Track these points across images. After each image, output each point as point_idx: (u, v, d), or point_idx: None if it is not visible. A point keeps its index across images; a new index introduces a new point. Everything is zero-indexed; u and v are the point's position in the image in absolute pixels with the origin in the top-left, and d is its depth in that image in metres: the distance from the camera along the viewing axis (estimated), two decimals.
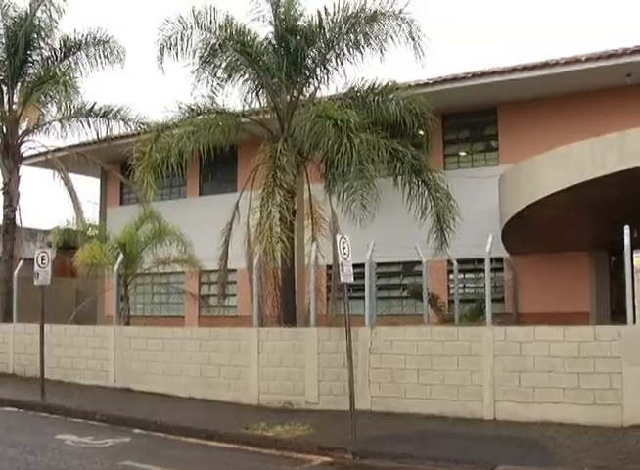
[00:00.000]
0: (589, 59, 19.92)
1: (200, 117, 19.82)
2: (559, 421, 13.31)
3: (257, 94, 20.13)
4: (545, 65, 20.43)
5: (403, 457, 11.54)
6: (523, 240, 19.69)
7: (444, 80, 21.45)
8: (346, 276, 13.40)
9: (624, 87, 20.30)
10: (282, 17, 19.76)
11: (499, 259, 20.88)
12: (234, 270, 22.93)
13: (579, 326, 13.90)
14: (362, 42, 19.52)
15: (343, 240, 13.49)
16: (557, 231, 18.74)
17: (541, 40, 55.66)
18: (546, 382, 13.61)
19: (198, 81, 19.91)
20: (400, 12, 19.01)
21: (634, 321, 13.21)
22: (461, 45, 61.29)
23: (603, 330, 13.62)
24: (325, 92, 20.42)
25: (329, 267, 19.96)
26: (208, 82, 20.02)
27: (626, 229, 13.48)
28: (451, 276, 21.15)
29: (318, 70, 19.98)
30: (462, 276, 21.73)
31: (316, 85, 20.25)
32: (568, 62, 20.15)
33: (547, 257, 20.75)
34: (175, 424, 14.40)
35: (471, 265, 20.96)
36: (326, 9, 19.37)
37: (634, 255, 13.37)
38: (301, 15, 20.00)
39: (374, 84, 19.90)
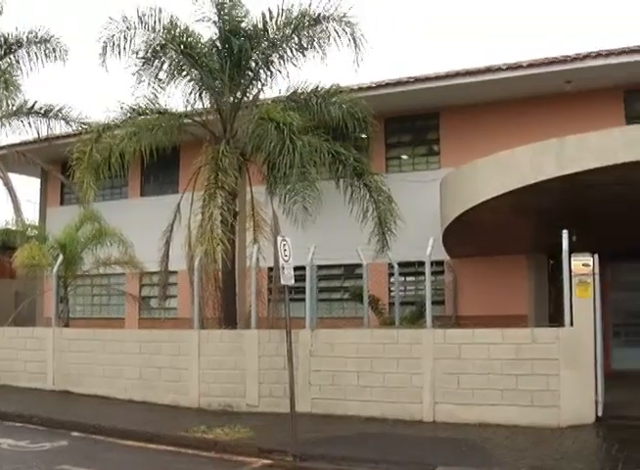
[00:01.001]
0: (531, 65, 20.15)
1: (142, 117, 19.65)
2: (497, 422, 13.54)
3: (200, 95, 19.99)
4: (487, 70, 20.61)
5: (343, 459, 11.62)
6: (463, 243, 19.86)
7: (387, 84, 21.53)
8: (287, 278, 13.41)
9: (564, 94, 20.57)
10: (226, 18, 19.64)
11: (440, 262, 21.01)
12: (175, 272, 22.77)
13: (518, 329, 14.13)
14: (306, 45, 19.55)
15: (284, 242, 13.51)
16: (497, 235, 18.93)
17: (487, 44, 56.13)
18: (485, 384, 13.81)
19: (140, 82, 19.76)
20: (344, 15, 19.10)
21: (571, 324, 13.47)
22: (423, 46, 61.53)
23: (541, 332, 13.88)
24: (268, 94, 20.43)
25: (270, 269, 19.93)
26: (151, 83, 19.87)
27: (564, 233, 13.74)
28: (392, 279, 21.24)
29: (262, 72, 19.95)
30: (403, 279, 21.86)
31: (260, 87, 20.22)
32: (510, 67, 20.35)
33: (487, 260, 20.93)
34: (114, 427, 14.30)
35: (412, 268, 21.08)
36: (270, 11, 19.38)
37: (572, 259, 13.62)
38: (245, 16, 19.90)
39: (317, 87, 19.95)
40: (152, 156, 18.86)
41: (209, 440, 13.14)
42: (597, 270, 13.89)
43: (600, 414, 13.53)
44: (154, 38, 19.37)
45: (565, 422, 13.26)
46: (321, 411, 15.18)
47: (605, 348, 15.77)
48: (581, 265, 13.66)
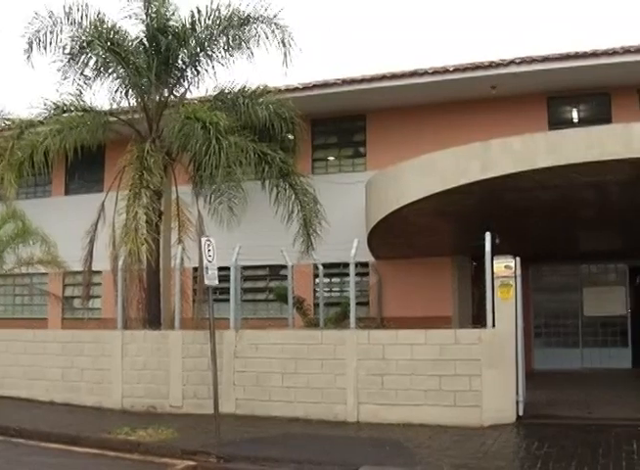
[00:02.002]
0: (456, 70, 20.40)
1: (66, 114, 19.37)
2: (420, 422, 13.67)
3: (127, 93, 19.77)
4: (413, 74, 20.77)
5: (267, 460, 11.58)
6: (388, 245, 20.00)
7: (314, 86, 21.56)
8: (211, 279, 13.38)
9: (489, 99, 20.89)
10: (154, 15, 19.43)
11: (365, 264, 21.11)
12: (99, 272, 22.49)
13: (441, 330, 14.28)
14: (234, 45, 19.48)
15: (209, 243, 13.48)
16: (421, 237, 19.13)
17: (419, 48, 56.50)
18: (408, 384, 13.94)
19: (65, 78, 19.47)
20: (274, 17, 19.11)
21: (494, 325, 13.67)
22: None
23: (464, 333, 14.06)
24: (195, 93, 20.33)
25: (195, 270, 19.80)
26: (76, 79, 19.59)
27: (487, 236, 13.95)
28: (317, 280, 21.30)
29: (189, 71, 19.83)
30: (328, 280, 21.92)
31: (187, 86, 20.11)
32: (436, 72, 20.55)
33: (412, 262, 21.12)
34: (36, 429, 14.06)
35: (337, 269, 21.16)
36: (199, 10, 19.24)
37: (494, 261, 13.82)
38: (173, 14, 19.72)
39: (244, 87, 19.90)
40: (76, 154, 18.62)
41: (133, 441, 13.00)
42: (519, 272, 14.12)
43: (521, 413, 13.78)
44: (80, 34, 19.07)
45: (487, 421, 13.45)
46: (245, 412, 15.16)
47: (526, 348, 16.05)
48: (503, 267, 13.88)
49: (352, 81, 21.32)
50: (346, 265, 15.58)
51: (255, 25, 19.27)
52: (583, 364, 22.62)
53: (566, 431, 12.94)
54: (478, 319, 15.53)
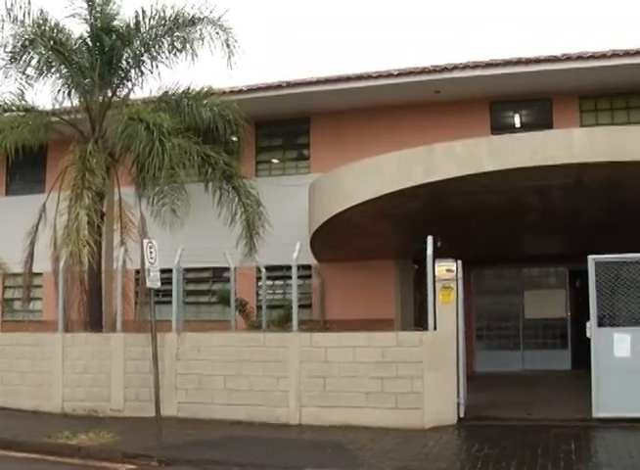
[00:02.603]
0: (401, 74, 20.52)
1: (7, 114, 19.15)
2: (363, 425, 13.70)
3: (70, 93, 19.53)
4: (359, 77, 20.87)
5: (209, 463, 11.55)
6: (331, 248, 20.03)
7: (259, 88, 21.53)
8: (153, 281, 13.30)
9: (433, 103, 21.06)
10: (97, 15, 19.21)
11: (307, 267, 21.13)
12: (40, 274, 22.22)
13: (383, 332, 14.33)
14: (179, 46, 19.39)
15: (151, 245, 13.40)
16: (364, 240, 19.18)
17: (368, 52, 56.62)
18: (350, 387, 13.97)
19: (7, 77, 19.21)
20: (219, 19, 19.05)
21: (435, 328, 13.77)
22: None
23: (406, 336, 14.14)
24: (139, 94, 20.16)
25: (137, 272, 19.60)
26: (18, 79, 19.31)
27: (429, 239, 14.03)
28: (260, 282, 21.26)
29: (133, 71, 19.67)
30: (271, 283, 21.89)
31: (130, 87, 19.93)
32: (380, 75, 20.66)
33: (355, 264, 21.19)
34: None
35: (280, 272, 21.11)
36: (143, 10, 19.10)
37: (436, 264, 13.93)
38: (118, 14, 19.55)
39: (188, 89, 19.79)
40: (17, 154, 18.39)
41: (73, 445, 12.85)
42: (460, 275, 14.25)
43: (462, 415, 13.90)
44: (22, 33, 18.80)
45: (428, 423, 13.53)
46: (187, 415, 15.07)
47: (468, 351, 16.20)
48: (445, 271, 13.99)
49: (297, 84, 21.34)
50: (289, 268, 15.58)
51: (200, 27, 19.20)
52: (524, 366, 22.88)
53: (506, 432, 13.08)
54: (420, 322, 15.61)
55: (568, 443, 11.94)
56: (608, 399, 13.47)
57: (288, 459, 11.65)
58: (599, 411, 13.52)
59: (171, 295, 16.08)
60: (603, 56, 19.39)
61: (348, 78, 20.95)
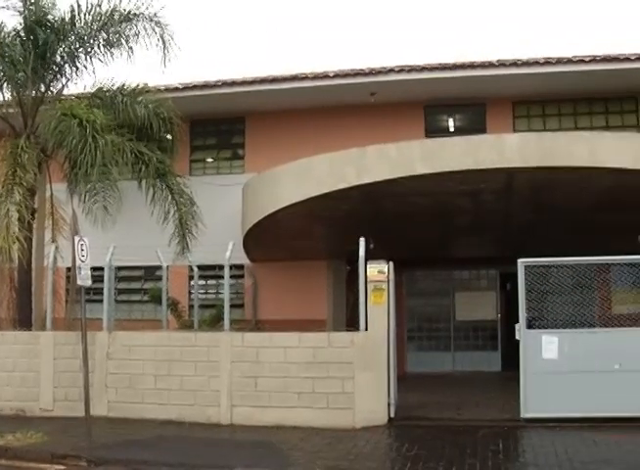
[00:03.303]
0: (336, 75, 20.59)
1: None
2: (294, 425, 13.73)
3: (1, 87, 19.23)
4: (294, 78, 20.88)
5: (139, 463, 11.45)
6: (263, 248, 20.04)
7: (194, 86, 21.42)
8: (84, 279, 13.18)
9: (368, 105, 21.15)
10: (32, 8, 18.87)
11: (240, 266, 21.08)
12: None
13: (315, 333, 14.36)
14: (114, 42, 19.18)
15: (82, 242, 13.28)
16: (297, 240, 19.22)
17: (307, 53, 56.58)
18: (282, 387, 13.99)
19: None
20: (155, 15, 18.91)
21: (366, 328, 13.85)
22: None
23: (337, 336, 14.20)
24: (73, 90, 19.89)
25: (69, 269, 19.40)
26: None
27: (361, 241, 14.12)
28: (193, 282, 21.17)
29: (67, 66, 19.35)
30: (204, 282, 21.82)
31: (64, 82, 19.64)
32: (316, 77, 20.71)
33: (288, 265, 21.21)
34: None
35: (212, 271, 21.07)
36: (79, 4, 18.81)
37: (368, 265, 14.01)
38: (53, 7, 19.26)
39: (123, 85, 19.58)
40: None
41: (0, 447, 12.66)
42: (392, 277, 14.36)
43: (393, 415, 14.01)
44: None
45: (359, 423, 13.61)
46: (118, 415, 14.94)
47: (399, 351, 16.36)
48: (376, 272, 14.08)
49: (233, 83, 21.28)
50: (222, 267, 15.56)
51: (136, 23, 19.03)
52: (455, 367, 23.14)
53: (436, 432, 13.23)
54: (352, 323, 15.68)
55: (496, 442, 12.13)
56: (535, 400, 13.71)
57: (218, 459, 11.63)
58: (527, 412, 13.75)
59: (103, 293, 15.95)
60: (536, 63, 19.72)
61: (284, 79, 20.95)
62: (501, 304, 23.53)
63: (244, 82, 21.20)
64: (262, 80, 21.05)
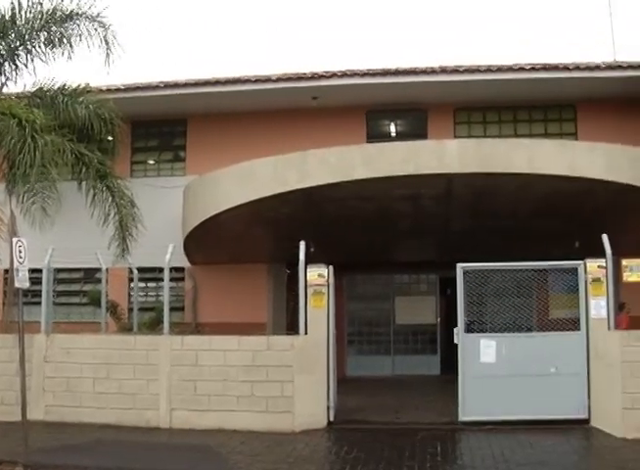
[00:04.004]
0: (280, 79, 20.64)
1: None
2: (233, 428, 13.68)
3: None
4: (237, 81, 20.87)
5: (76, 468, 11.32)
6: (204, 250, 19.99)
7: (136, 87, 21.29)
8: (22, 281, 12.98)
9: (311, 109, 21.22)
10: None
11: (181, 269, 21.02)
12: None
13: (254, 336, 14.33)
14: (56, 41, 18.98)
15: (20, 244, 13.07)
16: (238, 244, 19.21)
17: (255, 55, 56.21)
18: (221, 390, 13.95)
19: None
20: (98, 15, 18.76)
21: (306, 332, 13.88)
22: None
23: (277, 340, 14.22)
24: (13, 89, 19.63)
25: (6, 271, 19.17)
26: None
27: (302, 244, 14.13)
28: (132, 284, 21.01)
29: (7, 64, 19.12)
30: (144, 285, 21.67)
31: (4, 81, 19.37)
32: (259, 80, 20.72)
33: (228, 268, 21.16)
34: None
35: (152, 274, 20.90)
36: (20, 2, 18.59)
37: (308, 269, 14.04)
38: None
39: (64, 85, 19.37)
40: None
41: None
42: (332, 281, 14.38)
43: (332, 419, 14.03)
44: None
45: (299, 427, 13.61)
46: (55, 419, 14.74)
47: (339, 355, 16.39)
48: (316, 276, 14.10)
49: (175, 85, 21.21)
50: (162, 270, 15.44)
51: (78, 22, 18.86)
52: (394, 371, 23.27)
53: (375, 435, 13.31)
54: (292, 326, 15.75)
55: (434, 445, 12.24)
56: (473, 404, 13.86)
57: (157, 463, 11.58)
58: (465, 415, 13.89)
59: (41, 295, 15.75)
60: (477, 70, 19.99)
61: (226, 81, 20.93)
62: (441, 308, 23.74)
63: (186, 84, 21.15)
64: (205, 83, 21.01)
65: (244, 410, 13.87)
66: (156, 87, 21.26)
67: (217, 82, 20.97)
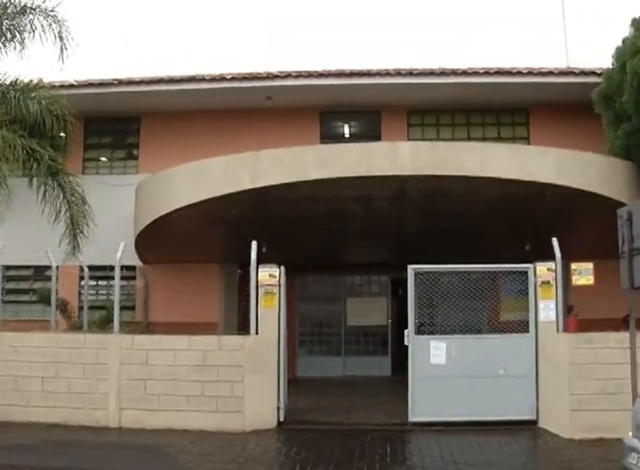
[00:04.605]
0: (234, 78, 20.63)
1: None
2: (184, 428, 13.61)
3: None
4: (191, 79, 20.81)
5: (24, 468, 11.15)
6: (156, 249, 19.87)
7: (90, 84, 21.13)
8: None
9: (265, 109, 21.21)
10: None
11: (132, 268, 20.89)
12: None
13: (205, 336, 14.27)
14: (8, 36, 18.75)
15: None
16: (190, 243, 19.14)
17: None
18: (171, 390, 13.87)
19: None
20: (52, 10, 18.54)
21: (257, 332, 13.87)
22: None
23: (227, 340, 14.18)
24: None
25: None
26: None
27: (253, 244, 14.12)
28: (83, 282, 20.83)
29: None
30: (95, 283, 21.51)
31: None
32: (213, 79, 20.69)
33: (180, 267, 21.08)
34: None
35: (103, 272, 20.74)
36: None
37: (259, 269, 14.03)
38: None
39: (16, 80, 19.12)
40: None
41: None
42: (283, 281, 14.39)
43: (282, 419, 14.06)
44: None
45: (249, 427, 13.59)
46: (2, 418, 14.46)
47: (290, 356, 16.42)
48: (268, 276, 14.11)
49: (129, 82, 21.08)
50: (113, 268, 15.33)
51: (32, 17, 18.63)
52: (345, 372, 23.32)
53: (325, 436, 13.33)
54: (244, 326, 15.72)
55: (384, 446, 12.29)
56: (423, 405, 13.95)
57: (105, 463, 11.48)
58: (414, 416, 13.98)
59: None
60: (432, 73, 20.18)
61: (181, 80, 20.88)
62: (392, 309, 23.84)
63: (140, 82, 21.04)
64: (158, 80, 20.92)
65: (194, 410, 13.81)
66: (109, 84, 21.12)
67: (171, 80, 20.89)
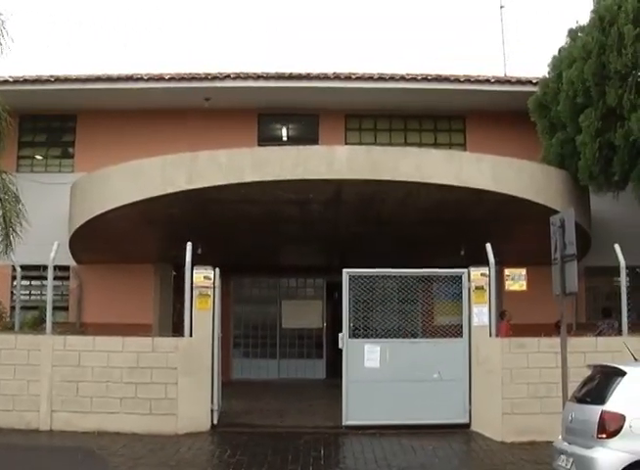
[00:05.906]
0: (172, 78, 20.53)
1: None
2: (116, 430, 13.49)
3: None
4: (128, 78, 20.65)
5: None
6: (90, 249, 19.67)
7: (25, 80, 20.83)
8: None
9: (203, 110, 21.12)
10: None
11: (66, 268, 20.64)
12: None
13: (139, 337, 14.17)
14: None
15: None
16: (125, 243, 18.99)
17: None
18: (104, 392, 13.73)
19: None
20: None
21: (191, 334, 13.81)
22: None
23: (162, 342, 14.10)
24: None
25: None
26: None
27: (188, 245, 14.06)
28: (15, 282, 20.51)
29: None
30: (27, 283, 21.21)
31: None
32: (151, 78, 20.55)
33: (115, 267, 20.88)
34: None
35: (37, 272, 20.46)
36: None
37: (194, 271, 13.96)
38: None
39: None
40: None
41: None
42: (218, 283, 14.36)
43: (216, 422, 14.03)
44: None
45: (182, 430, 13.53)
46: None
47: (225, 358, 16.39)
48: (202, 278, 14.05)
49: (65, 80, 20.85)
50: (46, 268, 15.13)
51: None
52: (280, 375, 23.36)
53: (259, 439, 13.34)
54: (178, 328, 15.61)
55: (317, 449, 12.36)
56: (357, 408, 14.01)
57: (36, 466, 11.33)
58: (348, 419, 14.04)
59: None
60: (370, 78, 20.30)
61: (118, 78, 20.71)
62: (328, 312, 23.90)
63: (77, 79, 20.82)
64: (96, 79, 20.74)
65: (127, 412, 13.69)
66: (45, 81, 20.85)
67: (108, 79, 20.72)
